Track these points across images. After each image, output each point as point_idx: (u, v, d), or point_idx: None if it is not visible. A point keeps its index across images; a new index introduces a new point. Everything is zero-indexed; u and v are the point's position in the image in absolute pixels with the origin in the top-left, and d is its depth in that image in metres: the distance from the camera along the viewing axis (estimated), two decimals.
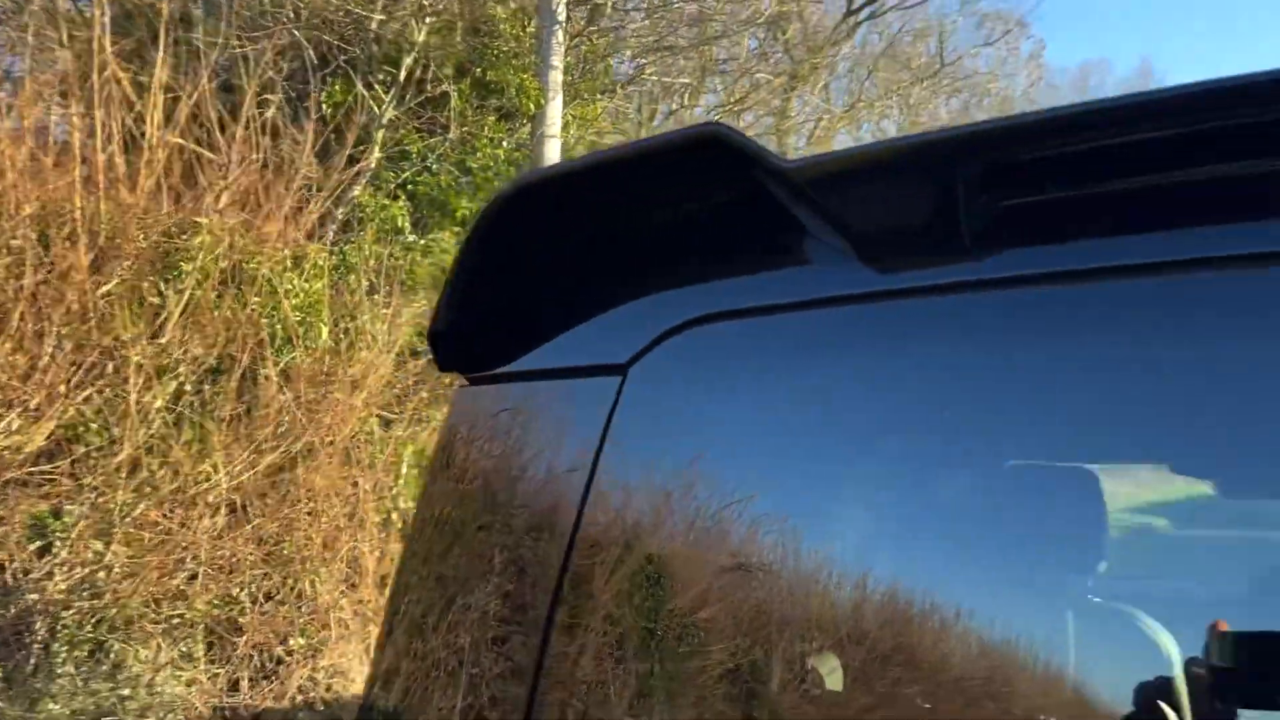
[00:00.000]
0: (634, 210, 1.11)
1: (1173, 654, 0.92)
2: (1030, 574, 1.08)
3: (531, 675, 1.06)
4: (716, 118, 13.61)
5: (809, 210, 1.00)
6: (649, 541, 1.07)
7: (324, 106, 7.20)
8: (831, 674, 1.01)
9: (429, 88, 8.16)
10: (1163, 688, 0.91)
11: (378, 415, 6.56)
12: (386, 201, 7.70)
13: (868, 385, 1.09)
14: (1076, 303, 0.97)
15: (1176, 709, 0.89)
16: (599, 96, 10.49)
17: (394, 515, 6.46)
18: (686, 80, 12.55)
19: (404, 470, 6.82)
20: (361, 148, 7.43)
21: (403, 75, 7.99)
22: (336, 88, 7.65)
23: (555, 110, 8.51)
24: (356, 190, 7.49)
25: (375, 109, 7.80)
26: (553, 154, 8.56)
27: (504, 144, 8.62)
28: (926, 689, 0.99)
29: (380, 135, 7.75)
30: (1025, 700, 0.97)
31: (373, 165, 7.67)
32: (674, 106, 13.64)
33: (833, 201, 0.98)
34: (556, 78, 8.52)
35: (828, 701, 1.00)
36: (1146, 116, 0.88)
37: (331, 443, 5.79)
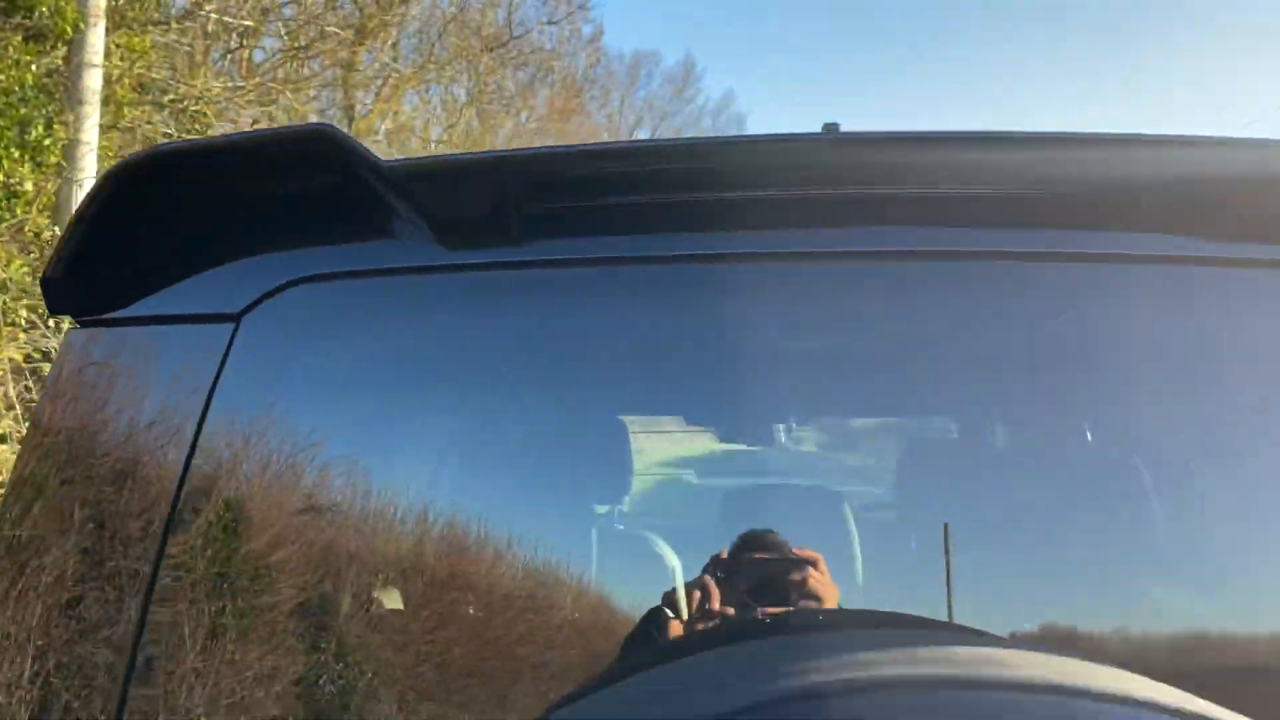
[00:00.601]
0: (254, 182, 1.26)
1: (677, 571, 1.22)
2: (568, 508, 1.36)
3: (121, 632, 1.10)
4: (278, 62, 12.98)
5: (398, 199, 1.21)
6: (236, 486, 1.17)
7: None
8: (393, 602, 1.18)
9: None
10: (668, 596, 1.20)
11: None
12: None
13: (436, 344, 1.31)
14: (600, 282, 1.27)
15: (677, 611, 1.18)
16: (149, 28, 9.62)
17: None
18: (248, 21, 11.82)
19: None
20: None
21: None
22: None
23: (97, 37, 7.72)
24: None
25: None
26: (93, 84, 7.76)
27: (33, 68, 7.67)
28: (480, 606, 1.20)
29: None
30: (560, 610, 1.21)
31: None
32: (232, 46, 12.80)
33: (417, 194, 1.21)
34: (99, 1, 7.73)
35: (390, 626, 1.17)
36: (617, 158, 1.29)
37: None
